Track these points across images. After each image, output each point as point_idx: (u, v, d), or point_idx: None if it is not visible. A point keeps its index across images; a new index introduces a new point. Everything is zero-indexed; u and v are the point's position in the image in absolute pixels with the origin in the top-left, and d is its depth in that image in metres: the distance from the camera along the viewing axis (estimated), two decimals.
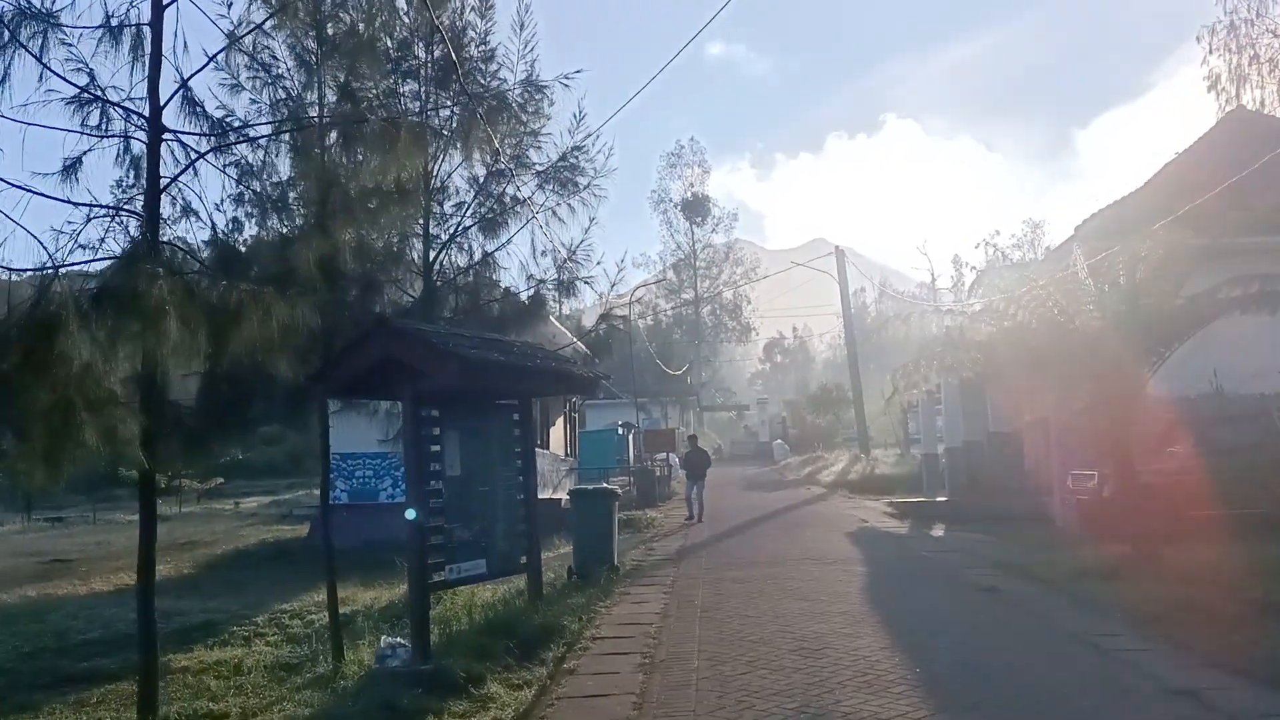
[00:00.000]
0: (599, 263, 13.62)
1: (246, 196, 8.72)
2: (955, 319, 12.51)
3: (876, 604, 9.77)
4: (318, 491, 25.70)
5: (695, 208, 78.06)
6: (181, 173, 6.74)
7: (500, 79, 13.44)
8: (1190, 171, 19.62)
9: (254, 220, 8.61)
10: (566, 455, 29.90)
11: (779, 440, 52.19)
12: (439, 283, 13.27)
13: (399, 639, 9.37)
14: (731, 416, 78.26)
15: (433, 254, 13.29)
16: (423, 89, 13.51)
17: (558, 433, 28.64)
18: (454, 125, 9.50)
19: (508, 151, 13.47)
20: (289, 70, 10.05)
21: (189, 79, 6.98)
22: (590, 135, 14.01)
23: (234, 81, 9.85)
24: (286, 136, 8.23)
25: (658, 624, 9.21)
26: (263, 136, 7.96)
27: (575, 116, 13.88)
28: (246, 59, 9.57)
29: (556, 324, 22.36)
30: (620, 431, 37.23)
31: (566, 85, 11.96)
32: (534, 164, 13.87)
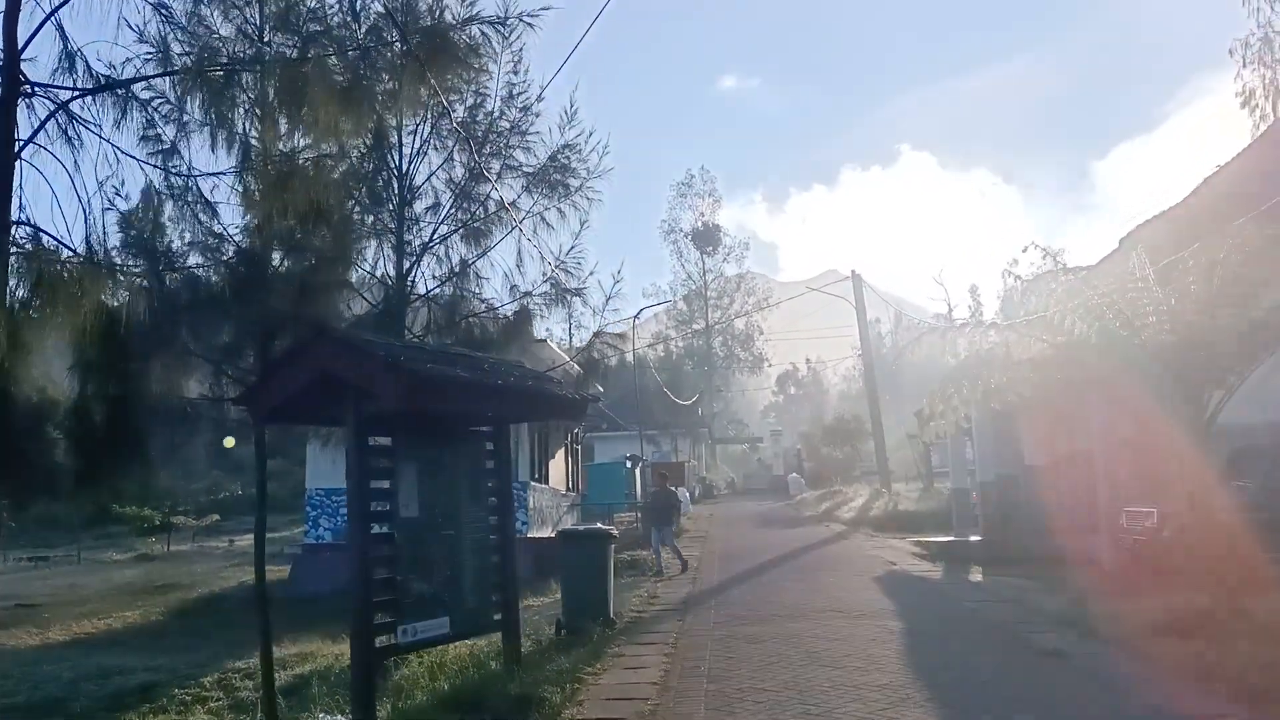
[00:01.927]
0: (592, 272, 12.13)
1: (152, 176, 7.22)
2: (1000, 334, 10.89)
3: (922, 674, 8.06)
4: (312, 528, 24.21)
5: (706, 237, 76.53)
6: (37, 131, 5.24)
7: (486, 69, 12.04)
8: (1240, 181, 18.06)
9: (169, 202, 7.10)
10: (569, 490, 28.21)
11: (794, 474, 50.28)
12: (412, 296, 11.79)
13: (342, 718, 7.77)
14: (744, 449, 76.34)
15: (406, 264, 11.84)
16: (395, 81, 12.11)
17: (558, 465, 26.99)
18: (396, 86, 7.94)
19: (487, 149, 12.06)
20: (223, 41, 8.59)
21: (55, 10, 5.49)
22: (583, 134, 12.60)
23: (161, 53, 8.41)
24: (199, 101, 6.71)
25: (654, 700, 7.52)
26: (135, 82, 6.45)
27: (566, 112, 12.47)
28: (174, 30, 8.13)
29: (555, 349, 20.74)
30: (628, 465, 35.53)
31: (530, 24, 10.34)
32: (521, 165, 12.45)
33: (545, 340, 19.14)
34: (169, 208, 7.00)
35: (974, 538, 21.07)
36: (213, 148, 6.97)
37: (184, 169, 7.16)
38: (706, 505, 42.35)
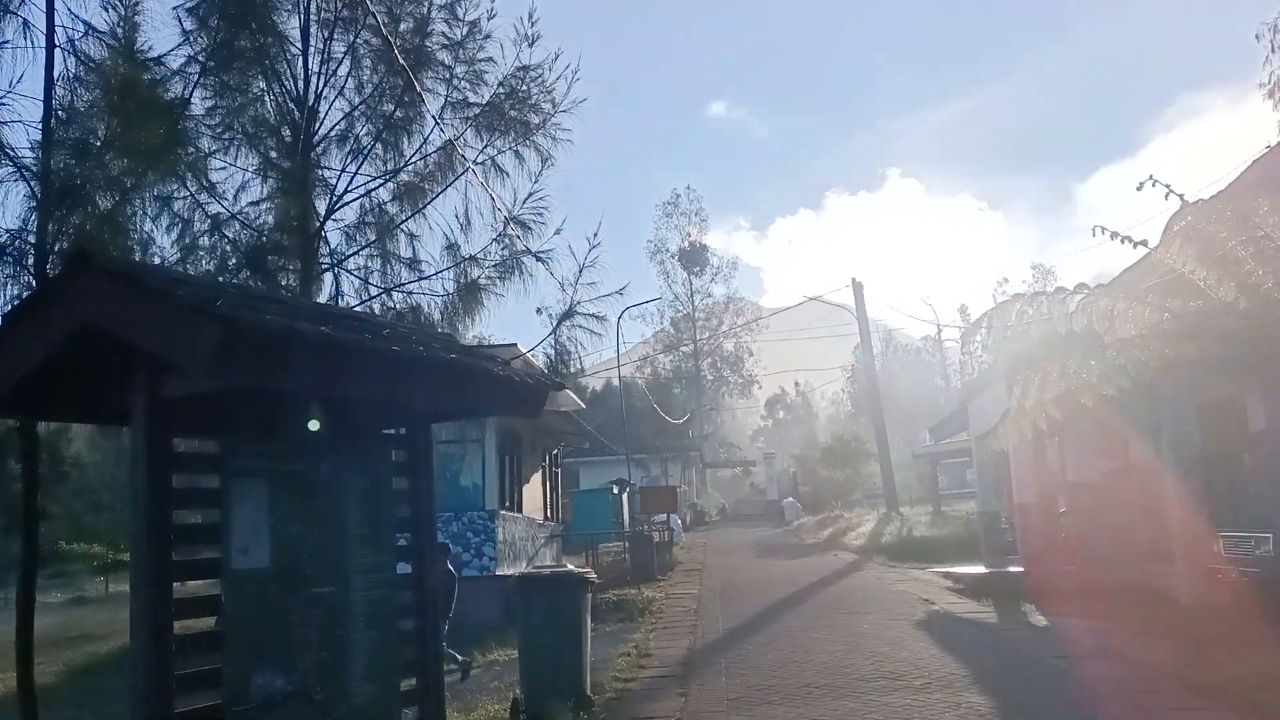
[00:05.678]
0: (559, 231, 9.27)
1: None
2: (1109, 300, 8.03)
3: None
4: None
5: (693, 257, 74.18)
6: None
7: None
8: None
9: None
10: (547, 519, 25.15)
11: (790, 499, 47.43)
12: (321, 263, 8.88)
13: None
14: (736, 473, 73.69)
15: (315, 221, 8.95)
16: None
17: (534, 491, 23.93)
18: None
19: (421, 71, 9.21)
20: None
21: None
22: (548, 56, 9.78)
23: None
24: None
25: None
26: None
27: (523, 28, 9.60)
28: None
29: (524, 353, 17.81)
30: (614, 491, 32.54)
31: None
32: (466, 97, 9.63)
33: (515, 345, 16.20)
34: None
35: (1013, 568, 18.29)
36: None
37: None
38: (699, 533, 39.32)
